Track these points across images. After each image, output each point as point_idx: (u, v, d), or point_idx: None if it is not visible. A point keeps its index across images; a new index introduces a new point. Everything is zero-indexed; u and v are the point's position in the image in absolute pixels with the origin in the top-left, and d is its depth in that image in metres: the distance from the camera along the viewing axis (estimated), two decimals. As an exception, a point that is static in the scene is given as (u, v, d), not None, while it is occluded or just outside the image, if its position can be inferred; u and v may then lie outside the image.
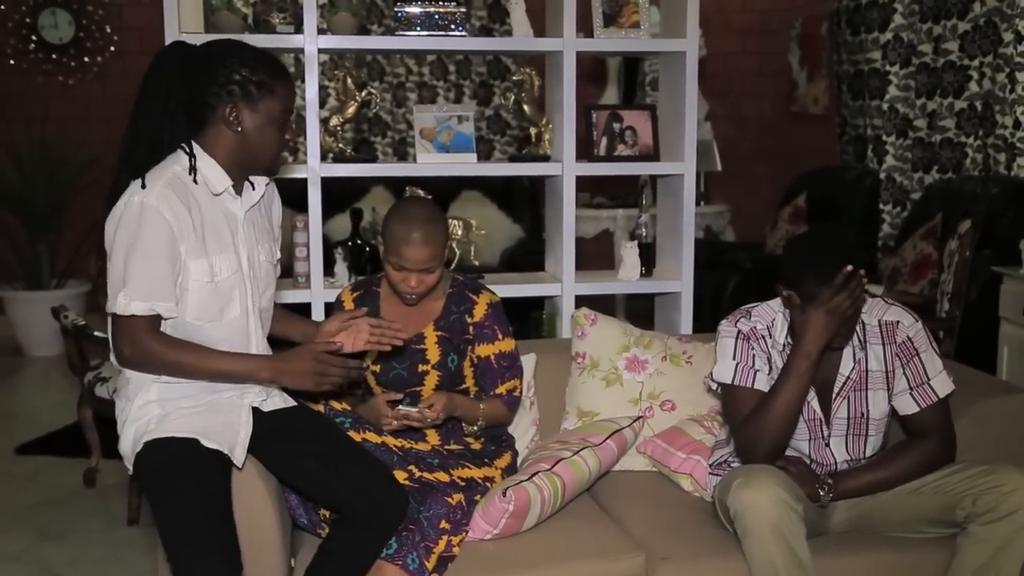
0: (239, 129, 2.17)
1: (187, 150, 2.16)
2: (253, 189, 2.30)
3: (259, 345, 2.31)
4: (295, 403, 2.41)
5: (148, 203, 2.07)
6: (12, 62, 6.48)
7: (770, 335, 2.49)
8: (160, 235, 2.08)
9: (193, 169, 2.15)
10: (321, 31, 3.26)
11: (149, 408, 2.20)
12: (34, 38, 6.47)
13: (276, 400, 2.37)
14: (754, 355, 2.46)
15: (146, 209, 2.07)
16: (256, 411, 2.29)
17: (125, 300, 2.08)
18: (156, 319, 2.12)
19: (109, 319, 2.15)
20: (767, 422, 2.35)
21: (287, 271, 3.44)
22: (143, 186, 2.09)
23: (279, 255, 2.43)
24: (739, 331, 2.49)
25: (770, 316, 2.51)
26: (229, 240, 2.21)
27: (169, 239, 2.09)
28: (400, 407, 2.50)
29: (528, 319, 3.57)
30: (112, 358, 2.21)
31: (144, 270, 2.08)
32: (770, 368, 2.45)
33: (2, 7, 6.41)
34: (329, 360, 2.20)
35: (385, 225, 2.53)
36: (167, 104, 2.15)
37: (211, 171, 2.18)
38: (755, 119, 7.33)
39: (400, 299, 2.60)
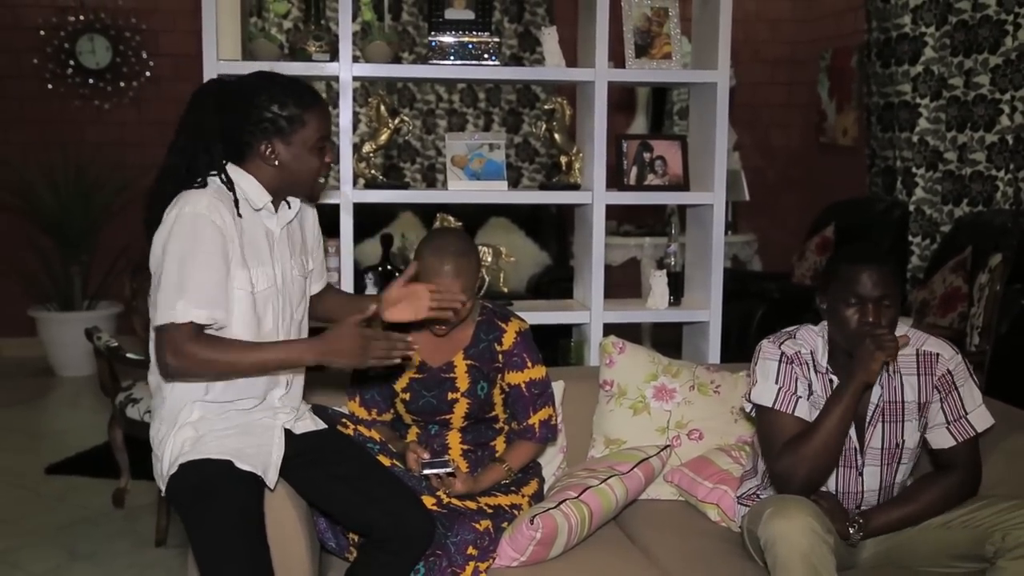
0: (276, 163, 2.23)
1: (223, 177, 2.21)
2: (289, 207, 2.35)
3: None
4: (325, 426, 2.43)
5: (200, 212, 2.11)
6: (50, 86, 6.59)
7: (813, 359, 2.47)
8: (215, 243, 2.11)
9: (231, 186, 2.20)
10: (355, 59, 3.31)
11: (184, 431, 2.21)
12: (72, 63, 6.58)
13: (307, 423, 2.39)
14: (797, 380, 2.43)
15: (199, 218, 2.11)
16: (287, 433, 2.31)
17: (184, 307, 2.07)
18: (201, 328, 2.11)
19: (153, 333, 2.13)
20: (809, 452, 2.32)
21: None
22: (188, 200, 2.13)
23: (311, 265, 2.45)
24: (783, 353, 2.46)
25: (813, 341, 2.49)
26: (267, 255, 2.25)
27: (222, 246, 2.13)
28: (426, 470, 2.50)
29: (556, 346, 3.58)
30: (152, 377, 2.24)
31: (203, 277, 2.09)
32: (810, 394, 2.44)
33: (42, 33, 6.53)
34: (373, 334, 2.15)
35: (418, 256, 2.55)
36: (201, 138, 2.21)
37: (250, 187, 2.23)
38: (783, 149, 7.33)
39: (429, 329, 2.62)
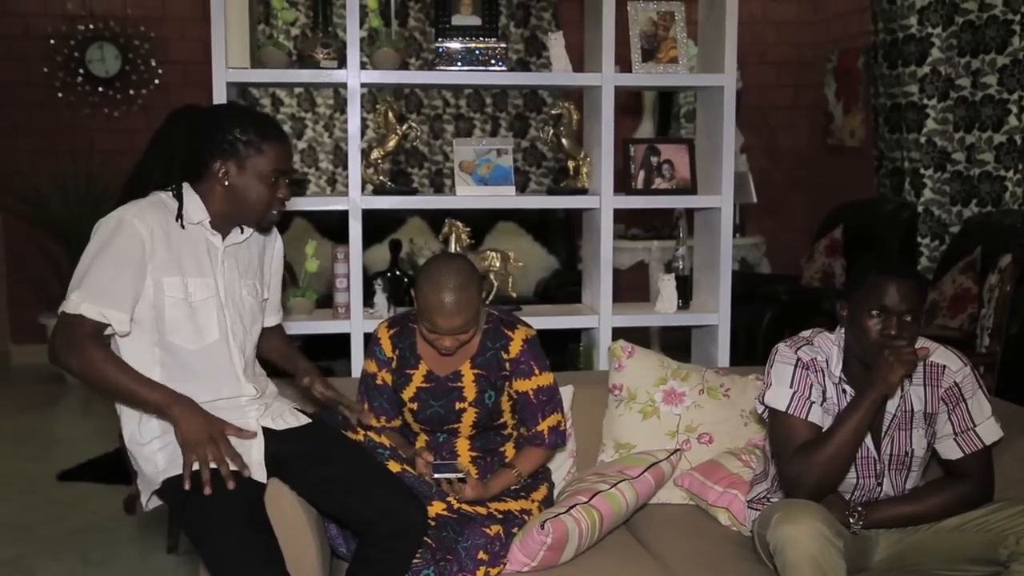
0: (226, 183, 2.28)
1: (173, 191, 2.27)
2: (242, 232, 2.38)
3: (247, 376, 2.35)
4: (308, 420, 2.45)
5: (125, 219, 2.19)
6: (60, 95, 6.63)
7: (828, 366, 2.46)
8: (130, 247, 2.17)
9: (178, 197, 2.26)
10: (363, 65, 3.32)
11: (152, 445, 2.26)
12: (81, 71, 6.61)
13: (288, 419, 2.41)
14: (811, 386, 2.42)
15: (122, 223, 2.18)
16: (269, 431, 2.33)
17: (77, 299, 2.14)
18: (100, 328, 2.15)
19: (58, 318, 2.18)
20: (821, 459, 2.31)
21: (326, 302, 3.49)
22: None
23: (267, 295, 2.49)
24: (799, 359, 2.45)
25: (828, 349, 2.47)
26: (208, 266, 2.30)
27: (139, 253, 2.18)
28: (436, 474, 2.50)
29: (565, 351, 3.58)
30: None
31: (104, 276, 2.15)
32: (823, 400, 2.43)
33: (52, 41, 6.57)
34: (223, 443, 2.18)
35: (417, 289, 2.52)
36: (164, 154, 2.28)
37: (191, 202, 2.28)
38: (791, 151, 7.33)
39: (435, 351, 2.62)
